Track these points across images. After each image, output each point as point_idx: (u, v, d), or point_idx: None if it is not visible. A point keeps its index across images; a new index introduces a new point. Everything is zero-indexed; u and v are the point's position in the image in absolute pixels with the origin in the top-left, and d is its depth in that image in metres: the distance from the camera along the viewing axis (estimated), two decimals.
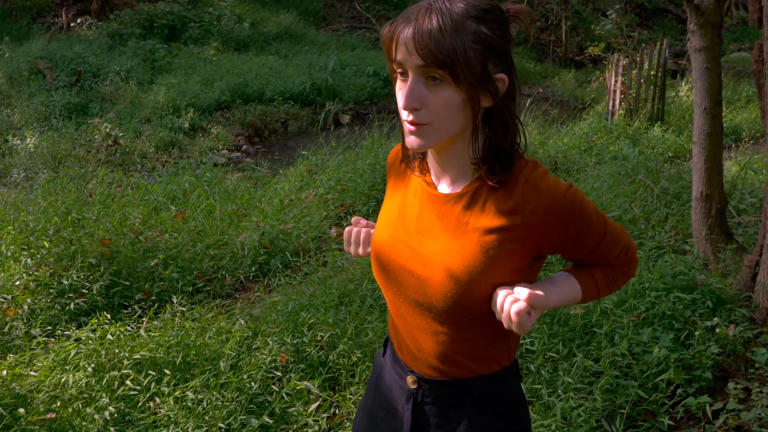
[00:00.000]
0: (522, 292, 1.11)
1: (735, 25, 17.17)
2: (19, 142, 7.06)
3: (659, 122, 7.98)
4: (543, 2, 15.31)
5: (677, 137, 7.13)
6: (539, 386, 2.68)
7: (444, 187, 1.23)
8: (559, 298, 1.22)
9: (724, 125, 7.60)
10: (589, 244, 1.20)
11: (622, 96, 8.28)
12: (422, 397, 1.29)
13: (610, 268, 1.29)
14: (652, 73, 8.11)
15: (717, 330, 3.04)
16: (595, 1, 15.42)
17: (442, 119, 1.12)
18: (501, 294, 1.13)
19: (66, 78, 9.61)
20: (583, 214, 1.16)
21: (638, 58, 8.32)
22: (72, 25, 12.85)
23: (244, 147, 8.38)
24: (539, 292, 1.12)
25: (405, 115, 1.14)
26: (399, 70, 1.14)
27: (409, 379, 1.30)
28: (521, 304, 1.09)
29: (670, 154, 6.52)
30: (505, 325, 1.12)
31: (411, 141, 1.15)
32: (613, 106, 8.39)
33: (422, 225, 1.24)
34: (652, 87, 8.12)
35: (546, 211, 1.13)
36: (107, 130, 7.30)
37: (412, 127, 1.14)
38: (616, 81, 8.33)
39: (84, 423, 2.39)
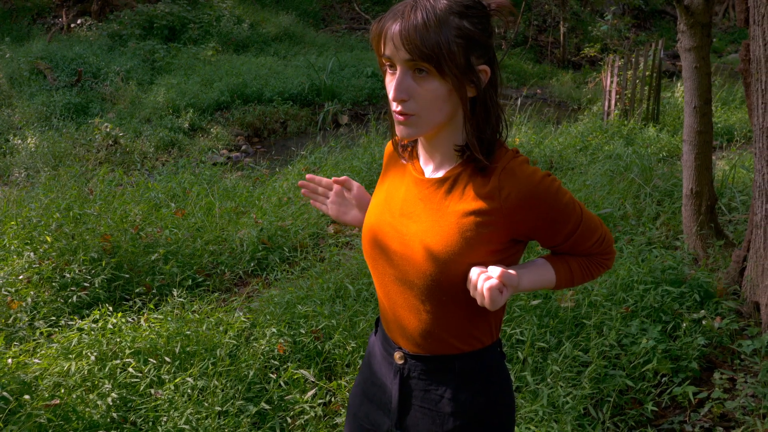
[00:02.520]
0: (494, 270, 1.18)
1: (732, 27, 17.25)
2: (20, 141, 7.12)
3: (654, 122, 8.04)
4: (541, 4, 15.39)
5: (671, 137, 7.19)
6: (527, 374, 2.75)
7: (430, 172, 1.32)
8: (532, 281, 1.29)
9: (719, 125, 7.71)
10: (563, 232, 1.27)
11: (618, 96, 8.34)
12: (408, 372, 1.37)
13: (586, 258, 1.35)
14: (647, 73, 8.18)
15: (704, 322, 3.11)
16: (594, 3, 15.51)
17: (428, 109, 1.20)
18: (475, 272, 1.21)
19: (66, 78, 9.68)
20: (557, 203, 1.23)
21: (633, 59, 8.38)
22: (72, 25, 12.94)
23: (243, 147, 8.44)
24: (511, 272, 1.20)
25: (394, 106, 1.22)
26: (388, 64, 1.22)
27: (396, 355, 1.38)
28: (493, 281, 1.17)
29: (664, 154, 6.59)
30: (478, 301, 1.19)
31: (400, 130, 1.24)
32: (609, 106, 8.45)
33: (407, 208, 1.32)
34: (646, 87, 8.19)
35: (520, 197, 1.20)
36: (107, 129, 7.37)
37: (401, 118, 1.22)
38: (611, 81, 8.39)
39: (87, 409, 2.46)
